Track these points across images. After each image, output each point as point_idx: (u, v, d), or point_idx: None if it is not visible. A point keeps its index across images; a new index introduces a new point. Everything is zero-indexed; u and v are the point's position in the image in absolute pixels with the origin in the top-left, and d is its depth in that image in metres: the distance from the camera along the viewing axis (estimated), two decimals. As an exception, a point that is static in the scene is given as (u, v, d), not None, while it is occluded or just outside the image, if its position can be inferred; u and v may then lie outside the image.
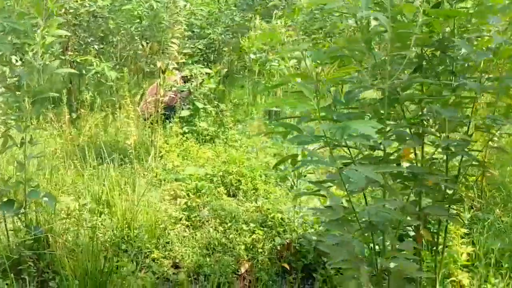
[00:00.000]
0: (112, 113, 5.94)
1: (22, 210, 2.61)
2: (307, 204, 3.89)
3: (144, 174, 4.62)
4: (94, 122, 5.73)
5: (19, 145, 2.52)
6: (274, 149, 5.37)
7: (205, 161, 4.95)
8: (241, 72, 7.40)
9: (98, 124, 5.65)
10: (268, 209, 3.93)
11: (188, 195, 4.08)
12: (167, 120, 5.91)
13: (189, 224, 3.71)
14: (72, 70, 2.75)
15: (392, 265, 1.88)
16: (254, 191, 4.38)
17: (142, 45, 4.87)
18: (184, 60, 5.21)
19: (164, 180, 4.53)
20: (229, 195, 4.35)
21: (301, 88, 1.57)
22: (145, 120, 5.77)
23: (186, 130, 5.86)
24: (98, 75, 5.18)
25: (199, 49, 6.93)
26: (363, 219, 2.01)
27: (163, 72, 4.75)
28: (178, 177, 4.39)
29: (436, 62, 2.15)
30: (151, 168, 4.76)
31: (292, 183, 3.65)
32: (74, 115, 5.97)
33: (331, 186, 2.14)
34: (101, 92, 6.21)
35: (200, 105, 5.93)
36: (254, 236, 3.54)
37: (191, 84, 6.13)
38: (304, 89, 1.57)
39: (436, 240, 2.48)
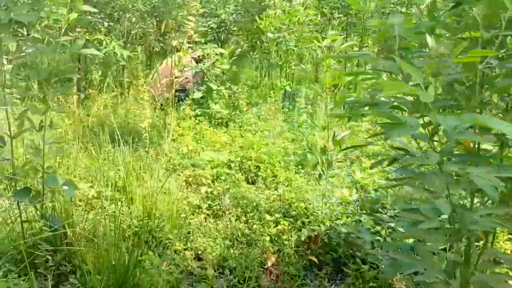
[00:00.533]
0: (121, 94, 5.71)
1: (40, 199, 2.40)
2: (333, 194, 3.70)
3: (158, 158, 4.41)
4: (103, 103, 5.50)
5: (37, 129, 2.31)
6: (291, 134, 5.16)
7: (220, 145, 4.74)
8: (254, 53, 7.13)
9: (107, 105, 5.43)
10: (291, 198, 3.75)
11: (206, 182, 3.88)
12: (179, 102, 5.69)
13: (209, 213, 3.53)
14: (98, 52, 2.50)
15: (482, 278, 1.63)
16: (273, 178, 4.19)
17: (158, 22, 4.61)
18: (197, 39, 4.95)
19: (179, 165, 4.33)
20: (247, 182, 4.16)
21: (408, 69, 1.30)
22: (156, 101, 5.55)
23: (199, 113, 5.64)
24: (106, 54, 4.92)
25: (211, 28, 6.66)
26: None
27: (177, 51, 4.51)
28: (195, 163, 4.18)
29: None
30: (165, 153, 4.56)
31: (321, 172, 3.45)
32: (82, 95, 5.73)
33: (397, 185, 1.91)
34: (110, 72, 5.95)
35: (214, 87, 5.71)
36: (279, 227, 3.36)
37: (203, 64, 5.89)
38: (413, 70, 1.30)
39: None
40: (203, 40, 5.73)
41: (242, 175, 4.18)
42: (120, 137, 4.05)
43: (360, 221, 3.43)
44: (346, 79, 3.13)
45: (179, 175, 4.08)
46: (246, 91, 5.80)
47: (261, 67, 6.84)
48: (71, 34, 5.45)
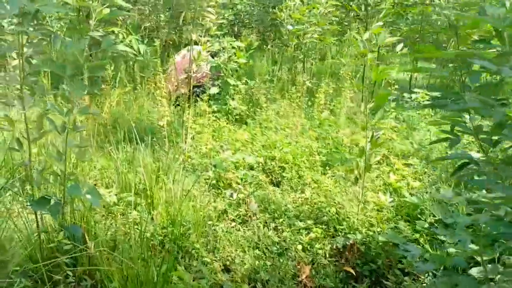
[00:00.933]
0: (133, 89, 5.48)
1: (60, 209, 2.18)
2: (367, 198, 3.46)
3: (176, 158, 4.18)
4: (115, 99, 5.27)
5: (59, 131, 2.08)
6: (313, 132, 4.92)
7: (241, 144, 4.50)
8: (270, 46, 6.86)
9: (120, 101, 5.19)
10: (321, 202, 3.52)
11: (231, 184, 3.65)
12: (195, 98, 5.45)
13: (235, 218, 3.30)
14: (130, 50, 2.27)
15: None
16: (299, 179, 3.96)
17: (174, 14, 4.36)
18: (216, 32, 4.70)
19: (199, 166, 4.10)
20: (272, 184, 3.93)
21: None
22: (171, 97, 5.32)
23: (216, 109, 5.40)
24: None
25: (227, 20, 6.39)
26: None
27: (195, 44, 4.26)
28: (217, 163, 3.95)
29: None
30: (183, 152, 4.33)
31: (358, 176, 3.20)
32: (95, 91, 5.49)
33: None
34: (123, 67, 5.71)
35: (231, 82, 5.46)
36: (311, 234, 3.13)
37: (219, 58, 5.64)
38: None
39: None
40: (218, 33, 5.48)
41: (266, 176, 3.95)
42: (137, 135, 3.82)
43: (398, 228, 3.20)
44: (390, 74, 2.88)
45: (199, 176, 3.85)
46: (265, 86, 5.54)
47: (280, 61, 6.58)
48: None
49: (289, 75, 5.92)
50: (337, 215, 3.34)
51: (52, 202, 2.18)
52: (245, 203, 3.39)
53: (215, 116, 5.31)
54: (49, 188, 2.58)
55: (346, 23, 6.95)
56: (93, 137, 4.19)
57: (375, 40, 2.87)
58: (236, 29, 7.46)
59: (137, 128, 4.75)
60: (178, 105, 5.32)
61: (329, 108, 5.85)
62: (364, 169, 3.08)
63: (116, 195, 3.13)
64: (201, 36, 4.26)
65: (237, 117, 5.40)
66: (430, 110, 5.70)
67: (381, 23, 2.91)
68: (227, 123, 5.21)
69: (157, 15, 5.26)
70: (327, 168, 4.18)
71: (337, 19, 6.14)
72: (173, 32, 4.70)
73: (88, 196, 2.15)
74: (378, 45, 2.93)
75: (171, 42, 4.66)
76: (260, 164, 4.08)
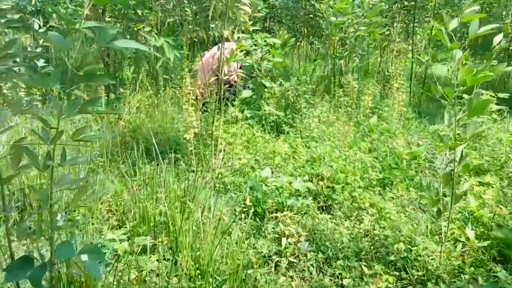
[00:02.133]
0: (156, 93, 4.86)
1: (46, 274, 1.54)
2: (450, 232, 2.72)
3: (204, 176, 3.54)
4: (136, 104, 4.66)
5: (41, 167, 1.44)
6: (364, 143, 4.19)
7: (281, 158, 3.81)
8: (308, 42, 6.15)
9: (140, 107, 4.58)
10: (385, 235, 2.80)
11: (274, 212, 2.97)
12: (225, 102, 4.79)
13: (280, 260, 2.62)
14: (151, 51, 1.65)
15: None
16: (352, 202, 3.25)
17: (201, 7, 3.69)
18: (254, 27, 4.03)
19: (232, 185, 3.45)
20: (320, 209, 3.24)
21: None
22: (198, 101, 4.66)
23: (248, 115, 4.73)
24: (152, 50, 4.03)
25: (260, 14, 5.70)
26: None
27: (227, 41, 3.60)
28: (253, 184, 3.28)
29: None
30: (213, 167, 3.69)
31: (441, 208, 2.45)
32: (112, 96, 4.90)
33: None
34: (144, 68, 5.11)
35: (267, 83, 4.78)
36: (381, 284, 2.42)
37: (252, 57, 4.97)
38: None
39: None
40: (251, 29, 4.81)
41: (312, 199, 3.26)
42: (158, 151, 3.18)
43: (494, 274, 2.46)
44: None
45: (234, 203, 3.18)
46: (304, 88, 4.84)
47: (320, 59, 5.85)
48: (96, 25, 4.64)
49: (331, 75, 5.20)
50: (407, 255, 2.63)
51: (36, 264, 1.54)
52: (295, 241, 2.70)
53: (248, 123, 4.64)
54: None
55: (390, 16, 6.18)
56: (107, 151, 3.57)
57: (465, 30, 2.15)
58: (268, 24, 6.77)
59: (159, 139, 4.13)
60: (206, 110, 4.67)
61: (377, 112, 5.11)
62: (452, 199, 2.35)
63: (130, 232, 2.49)
64: (233, 32, 3.59)
65: (272, 124, 4.71)
66: (499, 114, 4.89)
67: (475, 8, 2.16)
68: (262, 132, 4.54)
69: (182, 9, 4.57)
70: (385, 188, 3.46)
71: (385, 8, 5.37)
72: (200, 29, 4.04)
73: (85, 258, 1.50)
74: (470, 38, 2.19)
75: (196, 40, 4.00)
76: (309, 189, 3.37)
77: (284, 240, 2.64)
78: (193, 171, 3.36)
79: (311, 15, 5.52)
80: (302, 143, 4.10)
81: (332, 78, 4.92)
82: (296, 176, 3.40)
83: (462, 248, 2.63)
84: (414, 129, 4.77)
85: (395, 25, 6.32)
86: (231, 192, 3.41)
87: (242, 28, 3.96)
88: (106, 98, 4.80)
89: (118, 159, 3.47)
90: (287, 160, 3.80)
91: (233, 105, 4.67)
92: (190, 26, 4.32)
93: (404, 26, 6.42)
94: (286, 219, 2.81)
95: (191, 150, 3.45)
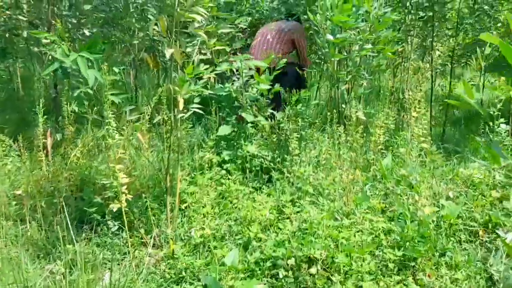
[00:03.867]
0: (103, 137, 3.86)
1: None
2: None
3: (149, 256, 2.51)
4: (83, 148, 3.67)
5: None
6: (377, 198, 3.13)
7: (260, 227, 2.76)
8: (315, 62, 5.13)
9: (84, 152, 3.58)
10: None
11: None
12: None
13: None
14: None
15: None
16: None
17: (143, 21, 2.70)
18: (220, 47, 3.03)
19: (188, 271, 2.41)
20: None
21: None
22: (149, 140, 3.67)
23: (227, 158, 3.70)
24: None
25: (243, 29, 4.69)
26: None
27: (181, 68, 2.59)
28: (208, 282, 2.23)
29: None
30: (167, 240, 2.67)
31: None
32: (58, 137, 3.91)
33: None
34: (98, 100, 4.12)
35: (249, 117, 3.76)
36: None
37: (232, 84, 3.96)
38: None
39: None
40: (229, 49, 3.80)
41: (301, 296, 2.20)
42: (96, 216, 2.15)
43: None
44: None
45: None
46: (298, 121, 3.79)
47: (318, 85, 4.82)
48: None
49: (331, 104, 4.15)
50: None
51: None
52: None
53: (226, 169, 3.61)
54: None
55: (403, 30, 5.14)
56: (30, 221, 2.56)
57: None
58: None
59: (104, 195, 3.11)
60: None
61: (391, 150, 4.04)
62: None
63: None
64: (186, 54, 2.59)
65: (258, 168, 3.67)
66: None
67: None
68: (243, 181, 3.50)
69: (126, 21, 3.53)
70: (407, 274, 2.38)
71: (396, 19, 4.34)
72: (151, 49, 3.06)
73: None
74: None
75: (149, 62, 3.00)
76: (291, 271, 2.32)
77: None
78: (144, 244, 2.32)
79: (311, 31, 4.53)
80: (291, 200, 3.04)
81: (333, 108, 3.86)
82: (271, 254, 2.35)
83: None
84: (441, 172, 3.68)
85: (409, 40, 5.27)
86: (185, 283, 2.37)
87: (209, 47, 2.96)
88: (50, 139, 3.81)
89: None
90: (268, 230, 2.75)
91: (206, 145, 3.66)
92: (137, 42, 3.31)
93: (420, 40, 5.37)
94: None
95: (119, 224, 2.41)
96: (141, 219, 2.96)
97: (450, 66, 5.39)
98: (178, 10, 2.45)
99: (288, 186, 3.25)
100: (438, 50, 5.18)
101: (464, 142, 4.98)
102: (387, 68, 5.64)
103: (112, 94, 2.30)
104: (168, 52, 2.43)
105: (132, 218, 2.87)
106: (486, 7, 4.69)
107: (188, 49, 2.80)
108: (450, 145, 4.83)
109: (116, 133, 2.26)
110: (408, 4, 4.78)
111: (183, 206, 3.09)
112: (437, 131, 5.24)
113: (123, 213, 2.36)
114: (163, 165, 2.94)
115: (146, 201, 2.91)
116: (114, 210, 2.32)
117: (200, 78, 2.75)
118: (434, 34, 5.09)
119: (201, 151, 3.67)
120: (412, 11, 4.82)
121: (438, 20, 4.89)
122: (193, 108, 2.63)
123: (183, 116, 2.67)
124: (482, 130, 4.62)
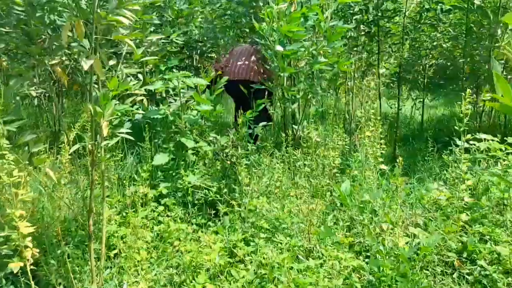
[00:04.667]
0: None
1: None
2: None
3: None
4: None
5: None
6: (341, 229, 2.73)
7: (207, 277, 2.25)
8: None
9: None
10: None
11: None
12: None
13: None
14: None
15: None
16: None
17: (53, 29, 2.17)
18: (151, 61, 2.55)
19: None
20: None
21: None
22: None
23: (165, 191, 3.18)
24: None
25: (178, 45, 4.19)
26: None
27: (104, 84, 2.09)
28: None
29: None
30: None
31: None
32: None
33: None
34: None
35: (189, 143, 3.27)
36: None
37: (169, 106, 3.48)
38: None
39: None
40: (164, 67, 3.33)
41: None
42: None
43: None
44: None
45: None
46: (246, 145, 3.35)
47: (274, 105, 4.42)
48: None
49: (282, 125, 3.75)
50: None
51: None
52: None
53: (164, 204, 3.09)
54: None
55: (350, 44, 4.90)
56: None
57: None
58: (195, 59, 5.23)
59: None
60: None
61: (348, 174, 3.70)
62: None
63: None
64: (113, 69, 2.09)
65: (202, 202, 3.17)
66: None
67: None
68: (185, 216, 2.99)
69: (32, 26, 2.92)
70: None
71: (350, 27, 4.04)
72: (68, 64, 2.52)
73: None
74: None
75: (61, 77, 2.45)
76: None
77: None
78: None
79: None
80: (243, 239, 2.57)
81: (284, 129, 3.47)
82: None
83: None
84: (404, 196, 3.37)
85: (352, 56, 5.01)
86: None
87: (134, 59, 2.47)
88: None
89: None
90: (219, 276, 2.25)
91: (138, 176, 3.13)
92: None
93: (365, 57, 5.16)
94: None
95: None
96: (60, 273, 2.37)
97: (397, 82, 5.21)
98: (99, 11, 1.95)
99: (239, 221, 2.78)
100: (384, 67, 4.98)
101: (415, 160, 4.77)
102: (329, 87, 5.36)
103: (5, 122, 1.75)
104: (86, 64, 1.92)
105: (47, 274, 2.28)
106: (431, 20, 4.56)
107: (112, 62, 2.30)
108: (403, 164, 4.59)
109: (15, 168, 1.70)
110: (353, 18, 4.54)
111: (112, 254, 2.53)
112: (388, 151, 5.01)
113: (28, 272, 1.79)
114: (85, 205, 2.38)
115: (64, 251, 2.33)
116: (15, 271, 1.74)
117: (129, 96, 2.25)
118: (379, 51, 4.89)
119: (134, 184, 3.13)
120: (358, 24, 4.59)
121: (384, 35, 4.70)
122: (120, 133, 2.11)
123: (107, 144, 2.14)
124: (431, 148, 4.43)
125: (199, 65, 4.59)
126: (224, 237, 2.64)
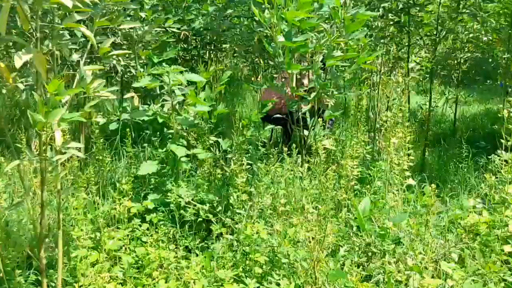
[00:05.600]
0: None
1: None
2: None
3: None
4: None
5: None
6: (353, 265, 2.23)
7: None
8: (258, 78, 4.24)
9: None
10: None
11: None
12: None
13: None
14: None
15: None
16: None
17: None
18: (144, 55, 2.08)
19: None
20: None
21: None
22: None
23: (151, 206, 2.73)
24: None
25: (173, 34, 3.67)
26: None
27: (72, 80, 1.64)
28: None
29: None
30: None
31: None
32: None
33: None
34: None
35: (180, 152, 2.80)
36: None
37: (162, 105, 3.02)
38: None
39: None
40: (157, 59, 2.87)
41: None
42: None
43: None
44: None
45: None
46: (250, 155, 2.87)
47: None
48: None
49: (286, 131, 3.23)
50: None
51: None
52: None
53: (150, 220, 2.65)
54: None
55: (376, 36, 4.32)
56: None
57: None
58: (192, 52, 4.66)
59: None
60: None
61: (368, 188, 3.17)
62: None
63: None
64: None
65: (194, 219, 2.71)
66: None
67: None
68: (173, 238, 2.55)
69: None
70: None
71: (373, 15, 3.47)
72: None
73: None
74: None
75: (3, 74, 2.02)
76: None
77: None
78: None
79: (259, 37, 3.65)
80: (236, 276, 2.10)
81: (288, 137, 2.96)
82: None
83: None
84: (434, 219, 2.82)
85: (378, 48, 4.41)
86: None
87: (101, 53, 2.00)
88: None
89: None
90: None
91: (120, 186, 2.68)
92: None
93: (394, 49, 4.57)
94: None
95: None
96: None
97: (429, 78, 4.61)
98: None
99: (230, 251, 2.31)
100: (414, 61, 4.39)
101: (447, 168, 4.19)
102: (365, 77, 4.78)
103: None
104: (20, 59, 1.46)
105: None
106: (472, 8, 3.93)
107: (75, 56, 1.85)
108: (433, 173, 4.04)
109: None
110: (380, 6, 3.97)
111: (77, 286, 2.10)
112: (416, 155, 4.44)
113: None
114: (35, 233, 1.95)
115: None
116: None
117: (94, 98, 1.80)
118: (410, 43, 4.31)
119: (116, 198, 2.69)
120: (385, 13, 4.02)
121: (415, 25, 4.11)
122: (71, 148, 1.66)
123: (58, 160, 1.70)
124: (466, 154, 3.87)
125: (204, 57, 4.10)
126: (210, 271, 2.17)
